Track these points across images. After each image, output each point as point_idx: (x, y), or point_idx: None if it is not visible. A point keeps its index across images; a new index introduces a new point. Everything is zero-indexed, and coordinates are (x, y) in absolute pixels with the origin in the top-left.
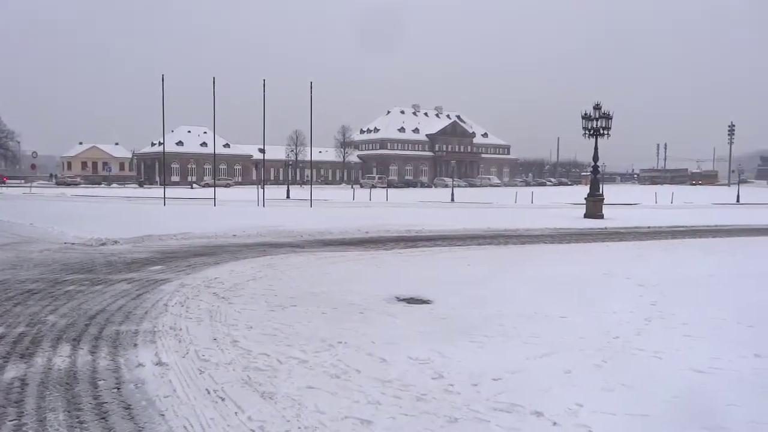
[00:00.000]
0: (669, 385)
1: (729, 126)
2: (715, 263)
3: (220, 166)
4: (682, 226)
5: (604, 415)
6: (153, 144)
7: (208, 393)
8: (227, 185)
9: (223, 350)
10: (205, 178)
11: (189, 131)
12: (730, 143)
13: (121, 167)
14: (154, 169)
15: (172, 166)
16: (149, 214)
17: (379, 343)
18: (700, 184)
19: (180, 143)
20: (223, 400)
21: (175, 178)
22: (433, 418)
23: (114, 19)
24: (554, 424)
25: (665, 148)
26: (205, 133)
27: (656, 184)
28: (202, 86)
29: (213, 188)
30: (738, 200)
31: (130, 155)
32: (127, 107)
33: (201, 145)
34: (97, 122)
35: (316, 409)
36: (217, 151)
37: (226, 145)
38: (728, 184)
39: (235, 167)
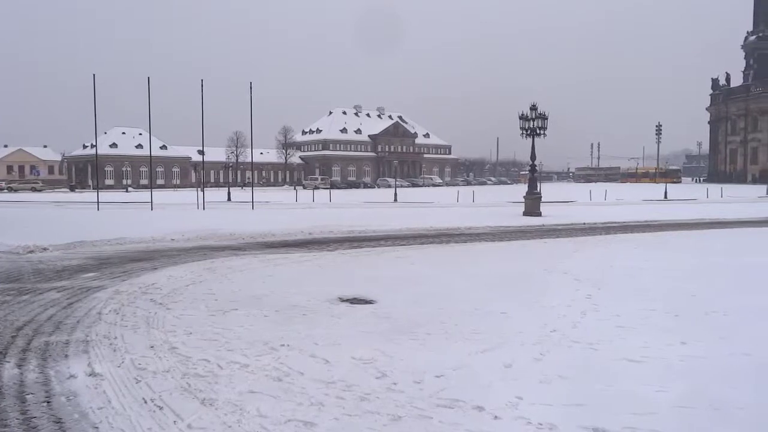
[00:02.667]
0: (603, 375)
1: (657, 126)
2: (645, 257)
3: (157, 169)
4: (615, 222)
5: (542, 407)
6: (85, 146)
7: (145, 402)
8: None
9: (160, 357)
10: (140, 180)
11: (123, 133)
12: (658, 142)
13: (51, 171)
14: (86, 173)
15: (106, 169)
16: (81, 219)
17: (323, 344)
18: (673, 182)
19: (114, 145)
20: (161, 408)
21: (110, 182)
22: (377, 417)
23: (39, 15)
24: (495, 417)
25: (598, 147)
26: (140, 134)
27: (591, 181)
28: (137, 86)
29: (147, 191)
30: (666, 196)
31: (60, 158)
32: (56, 108)
33: (136, 147)
34: (23, 124)
35: (258, 413)
36: (153, 153)
37: (163, 147)
38: (656, 181)
39: (173, 169)
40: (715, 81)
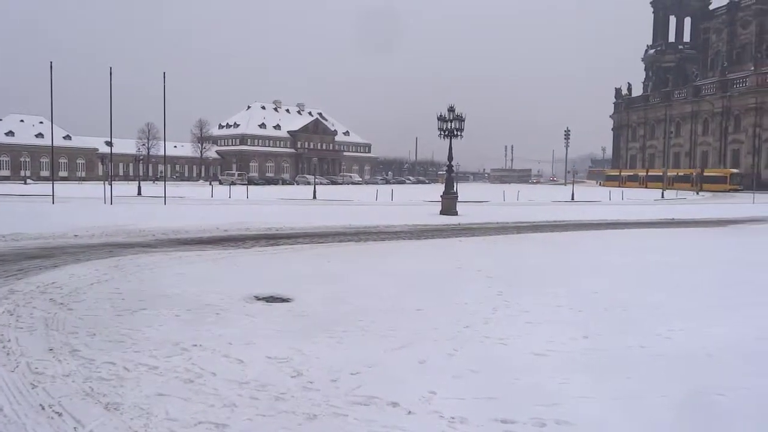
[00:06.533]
0: (512, 369)
1: (565, 131)
2: (552, 255)
3: (60, 160)
4: (526, 222)
5: (454, 401)
6: None
7: (43, 409)
8: None
9: (60, 361)
10: (41, 172)
11: (22, 120)
12: (566, 146)
13: None
14: None
15: (1, 159)
16: None
17: (237, 344)
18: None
19: (11, 133)
20: (60, 415)
21: (5, 173)
22: (292, 417)
23: None
24: (409, 412)
25: (512, 150)
26: (41, 122)
27: (505, 182)
28: (38, 71)
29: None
30: (573, 198)
31: None
32: None
33: (37, 135)
34: None
35: (167, 416)
36: (55, 144)
37: (67, 137)
38: (564, 183)
39: (78, 161)
40: (618, 90)
